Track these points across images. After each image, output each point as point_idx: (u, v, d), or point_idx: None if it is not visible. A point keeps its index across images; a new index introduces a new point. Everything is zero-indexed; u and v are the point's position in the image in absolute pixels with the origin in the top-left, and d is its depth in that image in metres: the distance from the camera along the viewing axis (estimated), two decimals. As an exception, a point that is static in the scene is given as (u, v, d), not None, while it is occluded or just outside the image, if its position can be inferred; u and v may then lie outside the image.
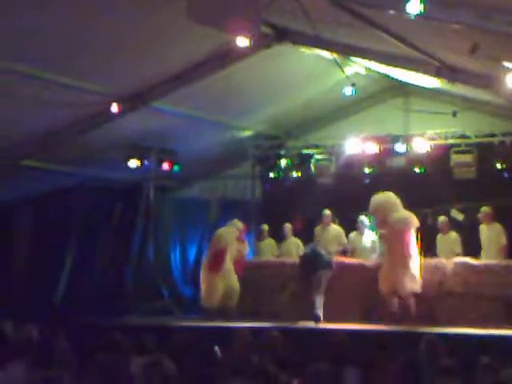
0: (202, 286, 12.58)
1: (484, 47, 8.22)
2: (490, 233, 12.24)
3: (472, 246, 12.37)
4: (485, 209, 12.36)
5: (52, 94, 10.73)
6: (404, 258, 11.25)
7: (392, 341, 9.54)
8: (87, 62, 10.36)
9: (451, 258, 11.85)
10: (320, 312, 11.39)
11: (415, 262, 11.28)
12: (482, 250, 12.21)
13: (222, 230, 12.93)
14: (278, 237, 14.07)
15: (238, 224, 12.94)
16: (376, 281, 11.46)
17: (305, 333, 10.66)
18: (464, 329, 10.38)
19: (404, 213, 11.62)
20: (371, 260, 12.63)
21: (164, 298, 14.22)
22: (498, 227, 12.25)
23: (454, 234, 12.63)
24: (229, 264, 12.51)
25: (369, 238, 13.12)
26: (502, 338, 9.56)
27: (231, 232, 12.80)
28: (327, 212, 13.40)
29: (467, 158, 13.09)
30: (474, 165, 13.08)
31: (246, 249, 13.14)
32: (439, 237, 12.71)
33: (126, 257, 14.82)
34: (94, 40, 9.81)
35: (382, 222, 11.78)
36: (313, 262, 11.66)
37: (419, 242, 11.53)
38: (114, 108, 11.73)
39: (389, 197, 11.81)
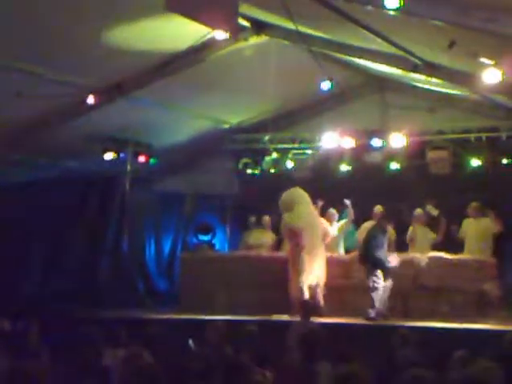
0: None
1: (462, 43, 8.25)
2: (478, 226, 12.33)
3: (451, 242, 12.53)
4: (474, 204, 12.45)
5: (27, 85, 10.62)
6: (293, 255, 11.62)
7: (365, 334, 9.61)
8: (63, 52, 10.27)
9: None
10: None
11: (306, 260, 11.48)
12: (468, 243, 12.28)
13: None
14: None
15: None
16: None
17: (280, 326, 10.65)
18: (438, 322, 10.47)
19: (304, 211, 11.79)
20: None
21: (138, 290, 14.16)
22: (487, 221, 12.34)
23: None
24: None
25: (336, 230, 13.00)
26: (475, 332, 9.64)
27: None
28: None
29: (443, 153, 13.13)
30: (450, 161, 13.15)
31: None
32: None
33: (100, 249, 14.75)
34: (71, 31, 9.73)
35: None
36: None
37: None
38: (91, 100, 11.63)
39: (294, 193, 11.97)
